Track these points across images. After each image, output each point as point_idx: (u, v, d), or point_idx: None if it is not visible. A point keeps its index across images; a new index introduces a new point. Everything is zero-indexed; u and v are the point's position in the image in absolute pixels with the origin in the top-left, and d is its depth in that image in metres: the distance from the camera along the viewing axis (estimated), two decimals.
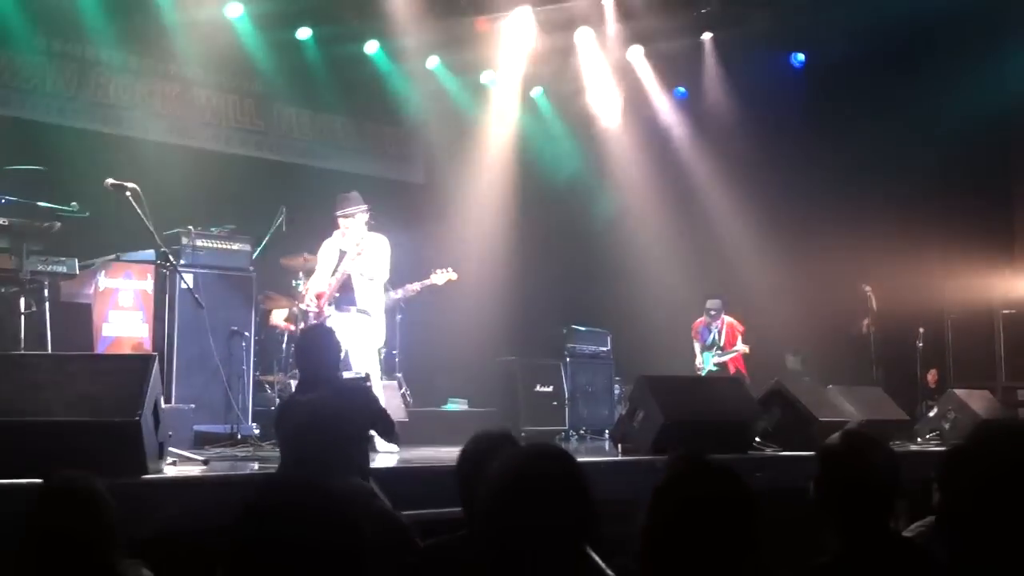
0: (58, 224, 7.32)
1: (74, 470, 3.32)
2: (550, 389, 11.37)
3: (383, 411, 5.57)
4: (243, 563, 1.90)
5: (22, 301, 7.12)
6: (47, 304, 7.27)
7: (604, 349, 12.39)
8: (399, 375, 10.39)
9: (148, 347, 8.45)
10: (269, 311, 9.95)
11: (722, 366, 12.31)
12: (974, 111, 11.75)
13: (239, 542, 1.90)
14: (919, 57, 12.30)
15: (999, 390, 12.06)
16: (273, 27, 11.48)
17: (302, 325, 8.61)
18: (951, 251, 12.55)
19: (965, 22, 11.80)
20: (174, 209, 8.57)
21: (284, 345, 9.66)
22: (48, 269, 7.26)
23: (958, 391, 10.36)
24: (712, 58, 13.47)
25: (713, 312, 12.37)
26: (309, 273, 9.08)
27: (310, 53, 11.99)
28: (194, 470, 5.72)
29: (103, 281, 8.49)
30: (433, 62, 12.86)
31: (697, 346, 12.57)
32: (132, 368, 5.18)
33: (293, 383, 8.20)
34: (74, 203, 7.52)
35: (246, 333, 8.90)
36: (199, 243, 8.88)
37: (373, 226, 8.74)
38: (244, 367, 8.82)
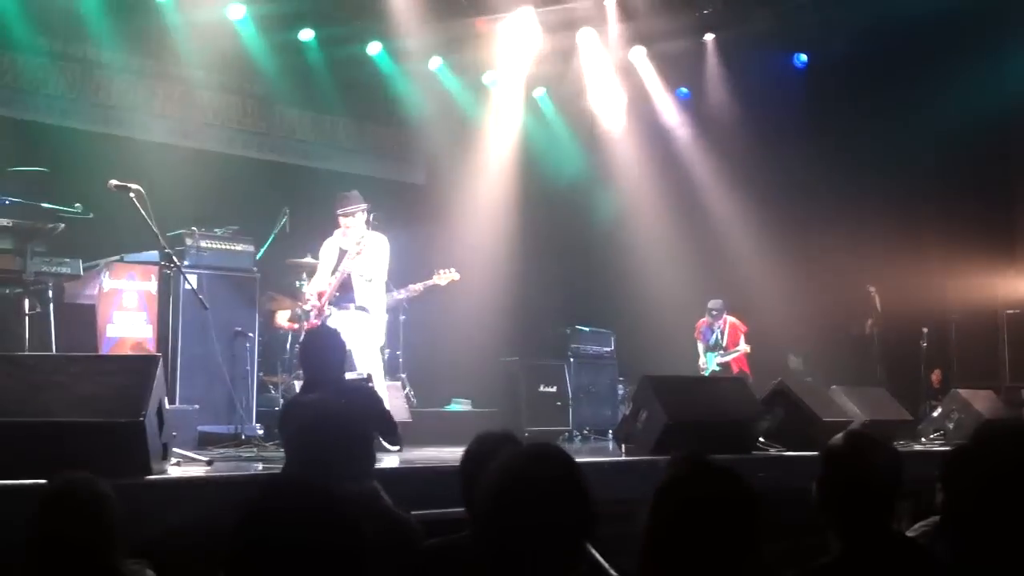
0: (62, 225, 7.34)
1: (78, 471, 3.33)
2: (554, 389, 11.37)
3: (386, 413, 5.59)
4: (243, 564, 1.90)
5: (26, 302, 7.14)
6: (51, 305, 7.29)
7: (607, 349, 12.39)
8: (403, 376, 10.39)
9: (152, 348, 8.46)
10: (273, 312, 9.96)
11: (725, 366, 12.31)
12: (976, 111, 11.75)
13: (239, 543, 1.91)
14: (921, 57, 12.29)
15: (1003, 390, 12.04)
16: (275, 28, 11.49)
17: (305, 325, 8.62)
18: (954, 251, 12.54)
19: (966, 22, 11.79)
20: (177, 210, 8.59)
21: (288, 346, 9.67)
22: (52, 270, 7.28)
23: (962, 391, 10.36)
24: (714, 59, 13.47)
25: (715, 312, 12.37)
26: (313, 273, 9.10)
27: (312, 54, 12.00)
28: (198, 471, 5.72)
29: (107, 282, 8.50)
30: (435, 63, 12.86)
31: (700, 346, 12.58)
32: (136, 369, 5.18)
33: (297, 384, 8.22)
34: (78, 204, 7.54)
35: (250, 334, 8.90)
36: (203, 244, 8.90)
37: (376, 226, 8.76)
38: (248, 368, 8.83)
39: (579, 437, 11.29)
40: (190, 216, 9.08)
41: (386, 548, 3.01)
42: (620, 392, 12.14)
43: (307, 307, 8.61)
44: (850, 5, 12.17)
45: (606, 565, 2.82)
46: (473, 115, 13.36)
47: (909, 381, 12.27)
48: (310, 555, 1.88)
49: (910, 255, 12.43)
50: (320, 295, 8.44)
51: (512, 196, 13.10)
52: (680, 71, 13.75)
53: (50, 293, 7.31)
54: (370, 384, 7.68)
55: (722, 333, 12.41)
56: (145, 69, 11.16)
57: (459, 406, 11.30)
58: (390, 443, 6.62)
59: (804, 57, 13.70)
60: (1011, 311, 13.15)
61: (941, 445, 9.41)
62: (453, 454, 5.71)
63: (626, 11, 12.47)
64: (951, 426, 9.82)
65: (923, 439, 9.95)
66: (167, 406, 5.43)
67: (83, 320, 8.22)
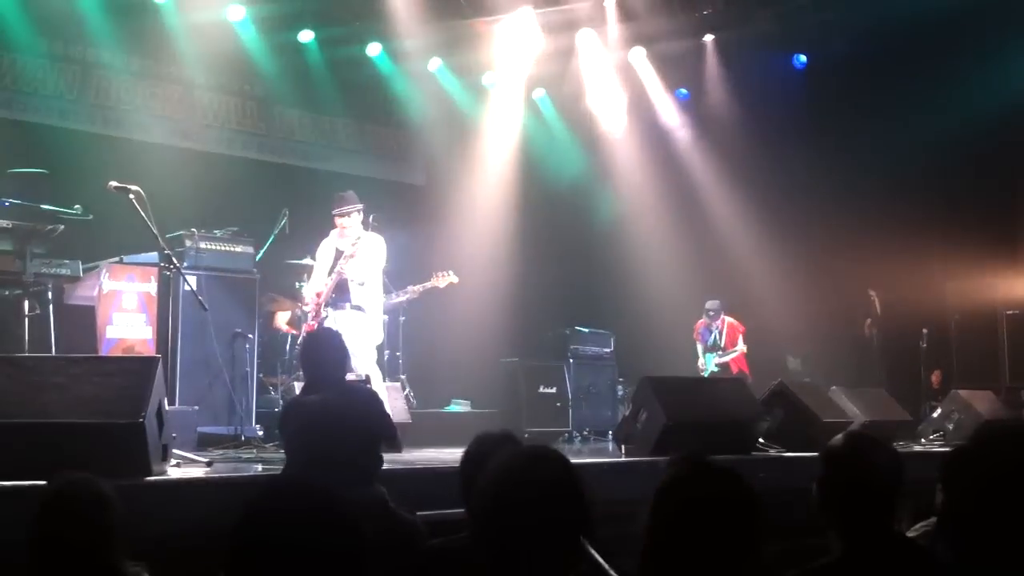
0: (61, 227, 7.35)
1: (78, 472, 3.33)
2: (553, 390, 11.38)
3: (386, 416, 5.57)
4: (243, 564, 1.90)
5: (26, 303, 7.15)
6: (51, 306, 7.30)
7: (607, 350, 12.40)
8: (402, 377, 10.40)
9: (152, 349, 8.46)
10: (273, 313, 9.96)
11: (724, 366, 12.31)
12: (976, 111, 11.75)
13: (238, 543, 1.91)
14: (921, 58, 12.29)
15: (1003, 391, 12.04)
16: (275, 30, 11.49)
17: (304, 327, 8.63)
18: (954, 251, 12.54)
19: (966, 23, 11.79)
20: (176, 211, 8.59)
21: (288, 347, 9.67)
22: (52, 271, 7.29)
23: (962, 392, 10.37)
24: (714, 59, 13.47)
25: (712, 313, 12.37)
26: None
27: (312, 55, 12.00)
28: (198, 472, 5.72)
29: (106, 283, 8.49)
30: (435, 64, 12.86)
31: (699, 347, 12.58)
32: (136, 370, 5.19)
33: (297, 385, 8.22)
34: (77, 206, 7.55)
35: (249, 335, 8.91)
36: (202, 245, 8.91)
37: (375, 227, 8.76)
38: (248, 369, 8.84)
39: (579, 438, 11.30)
40: (190, 217, 9.08)
41: (394, 552, 3.01)
42: (620, 393, 12.15)
43: (306, 308, 8.62)
44: (850, 6, 12.17)
45: (606, 566, 2.81)
46: (473, 116, 13.36)
47: (909, 382, 12.26)
48: (309, 555, 1.88)
49: (910, 256, 12.42)
50: (318, 296, 8.44)
51: (512, 197, 13.10)
52: (680, 72, 13.74)
53: (50, 294, 7.32)
54: (369, 386, 7.68)
55: (720, 333, 12.41)
56: (145, 70, 11.17)
57: (459, 407, 11.31)
58: (389, 447, 6.61)
59: (804, 58, 13.70)
60: (1011, 312, 13.14)
61: (941, 446, 9.42)
62: (453, 455, 5.71)
63: (626, 12, 12.47)
64: (951, 427, 9.82)
65: (923, 440, 9.96)
66: (167, 407, 5.44)
67: (82, 321, 8.21)
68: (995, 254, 12.92)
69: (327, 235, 8.69)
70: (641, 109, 13.87)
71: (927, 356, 12.49)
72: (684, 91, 14.16)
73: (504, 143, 13.39)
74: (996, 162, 13.06)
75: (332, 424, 4.90)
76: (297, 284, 9.70)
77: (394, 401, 8.67)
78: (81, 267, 7.56)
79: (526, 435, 9.69)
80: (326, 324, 8.24)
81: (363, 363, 8.21)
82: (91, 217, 7.62)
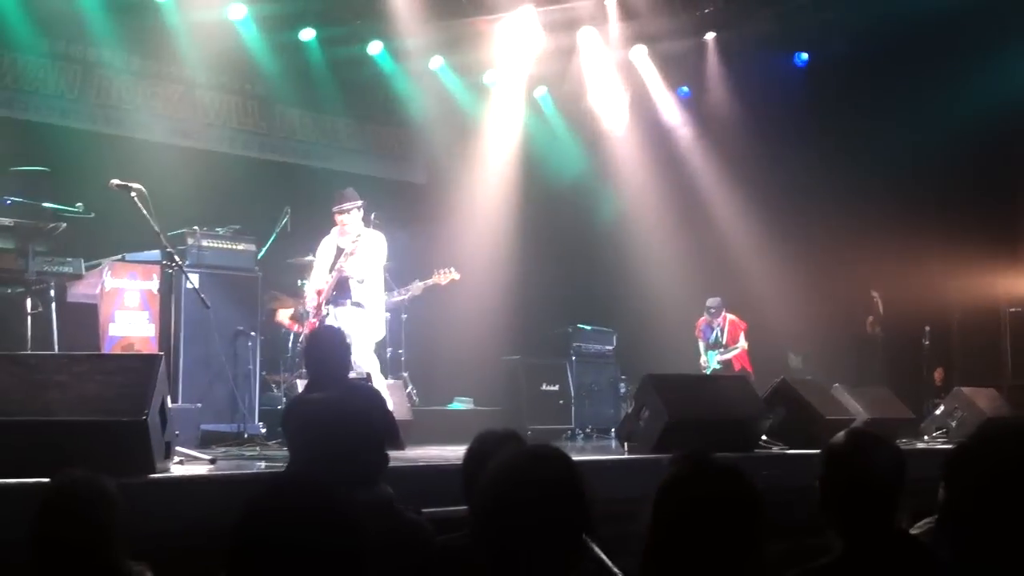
0: (63, 225, 7.35)
1: (82, 469, 3.33)
2: (556, 388, 11.39)
3: (389, 415, 5.58)
4: (243, 563, 1.91)
5: (28, 302, 7.15)
6: (53, 304, 7.30)
7: (609, 348, 12.40)
8: (405, 374, 10.40)
9: (154, 347, 8.47)
10: (275, 311, 9.96)
11: (727, 364, 12.30)
12: (977, 110, 11.75)
13: (238, 542, 1.91)
14: (922, 57, 12.29)
15: (1005, 388, 12.04)
16: (276, 29, 11.49)
17: (306, 324, 8.63)
18: (956, 249, 12.54)
19: (967, 22, 11.79)
20: (178, 210, 8.60)
21: (290, 344, 9.68)
22: (54, 270, 7.29)
23: (964, 389, 10.37)
24: (715, 58, 13.47)
25: (713, 310, 12.36)
26: None
27: (313, 54, 12.00)
28: (201, 469, 5.72)
29: (109, 281, 8.50)
30: (436, 63, 12.86)
31: (701, 345, 12.58)
32: (138, 368, 5.19)
33: (299, 382, 8.22)
34: (79, 204, 7.55)
35: (252, 333, 8.92)
36: (204, 243, 8.92)
37: (376, 225, 8.76)
38: (250, 367, 8.85)
39: (581, 436, 11.31)
40: (191, 216, 9.09)
41: (399, 553, 3.01)
42: (622, 390, 12.16)
43: (308, 306, 8.63)
44: (850, 5, 12.17)
45: (610, 564, 2.81)
46: (474, 115, 13.37)
47: (911, 379, 12.28)
48: (309, 554, 1.88)
49: (912, 254, 12.43)
50: (319, 294, 8.45)
51: (513, 195, 13.10)
52: (681, 70, 13.75)
53: (52, 292, 7.32)
54: (371, 384, 7.69)
55: (722, 331, 12.41)
56: (146, 69, 11.17)
57: (461, 405, 11.31)
58: (391, 446, 6.61)
59: (805, 56, 13.69)
60: (1013, 309, 13.15)
61: (944, 443, 9.42)
62: (455, 452, 5.72)
63: (627, 10, 12.47)
64: (954, 424, 9.82)
65: (926, 437, 9.96)
66: (170, 405, 5.44)
67: (85, 319, 8.22)
68: (997, 252, 12.93)
69: (328, 233, 8.70)
70: (642, 107, 13.87)
71: (929, 353, 12.51)
72: (685, 89, 14.16)
73: (505, 142, 13.39)
74: (998, 160, 13.07)
75: (336, 422, 4.89)
76: (299, 282, 9.71)
77: (396, 398, 8.66)
78: (83, 265, 7.57)
79: (528, 433, 9.69)
80: (327, 321, 8.25)
81: (363, 360, 8.22)
82: (93, 215, 7.63)
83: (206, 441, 7.66)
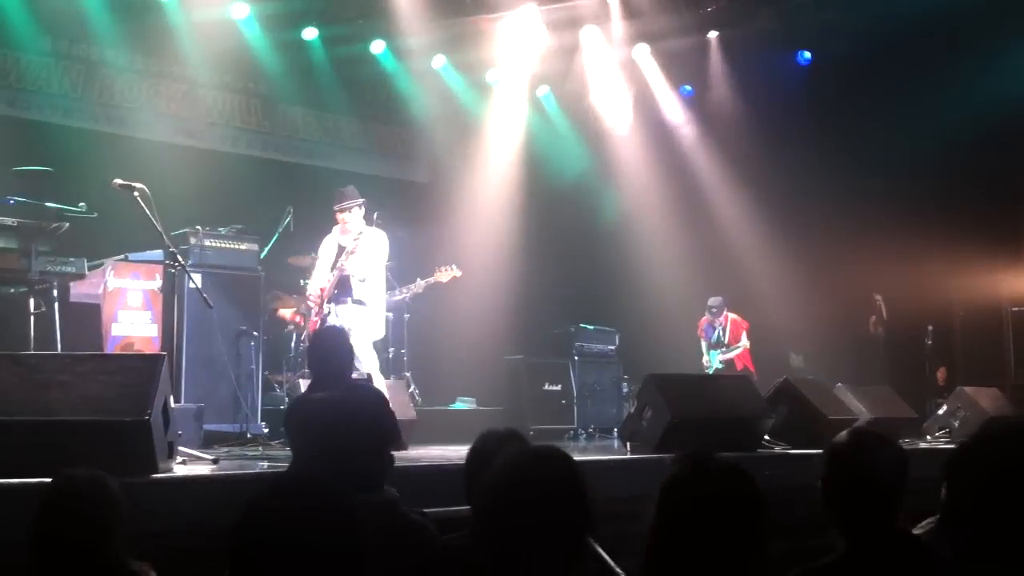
0: (66, 224, 7.35)
1: (84, 469, 3.33)
2: (558, 388, 11.39)
3: (391, 415, 5.58)
4: (243, 562, 1.91)
5: (31, 301, 7.15)
6: (56, 304, 7.30)
7: (611, 348, 12.39)
8: (407, 374, 10.40)
9: (156, 347, 8.47)
10: (277, 310, 9.97)
11: (729, 363, 12.29)
12: (979, 109, 11.74)
13: (239, 541, 1.91)
14: (924, 56, 12.28)
15: (1008, 387, 12.04)
16: (279, 27, 11.50)
17: (308, 323, 8.63)
18: (958, 249, 12.53)
19: (968, 21, 11.78)
20: (181, 209, 8.59)
21: (293, 344, 9.68)
22: (57, 269, 7.29)
23: (967, 389, 10.35)
24: (718, 56, 13.46)
25: (715, 310, 12.35)
26: None
27: (316, 53, 12.01)
28: (203, 469, 5.72)
29: (111, 281, 8.51)
30: (439, 62, 12.85)
31: (703, 344, 12.57)
32: (141, 368, 5.19)
33: (302, 382, 8.22)
34: (82, 203, 7.55)
35: (254, 332, 8.92)
36: (207, 243, 8.92)
37: (379, 225, 8.75)
38: (253, 366, 8.85)
39: (583, 435, 11.30)
40: (194, 215, 9.08)
41: (402, 554, 3.01)
42: (624, 390, 12.14)
43: (311, 304, 8.62)
44: (852, 5, 12.16)
45: (612, 563, 2.81)
46: (476, 113, 13.37)
47: (914, 379, 12.26)
48: (310, 553, 1.88)
49: (914, 253, 12.42)
50: (321, 291, 8.44)
51: (516, 194, 13.10)
52: (684, 69, 13.74)
53: (55, 292, 7.32)
54: (373, 384, 7.68)
55: (724, 330, 12.39)
56: (149, 68, 11.18)
57: (464, 404, 11.31)
58: (393, 447, 6.61)
59: (808, 55, 13.68)
60: (1016, 308, 13.14)
61: (946, 443, 9.41)
62: (458, 452, 5.72)
63: (630, 9, 12.46)
64: (956, 424, 9.81)
65: (928, 437, 9.95)
66: (172, 405, 5.44)
67: (88, 319, 8.23)
68: (1000, 251, 12.93)
69: (330, 231, 8.70)
70: (645, 106, 13.87)
71: (932, 353, 12.49)
72: (688, 88, 14.15)
73: (508, 140, 13.39)
74: (1000, 159, 13.06)
75: (339, 422, 4.89)
76: (302, 281, 9.71)
77: (399, 398, 8.67)
78: (86, 265, 7.56)
79: (531, 432, 9.70)
80: (329, 320, 8.25)
81: (363, 359, 8.22)
82: (96, 215, 7.63)
83: (208, 441, 7.65)
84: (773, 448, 7.94)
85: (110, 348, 8.31)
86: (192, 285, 7.58)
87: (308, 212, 9.75)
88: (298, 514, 1.92)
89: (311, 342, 6.26)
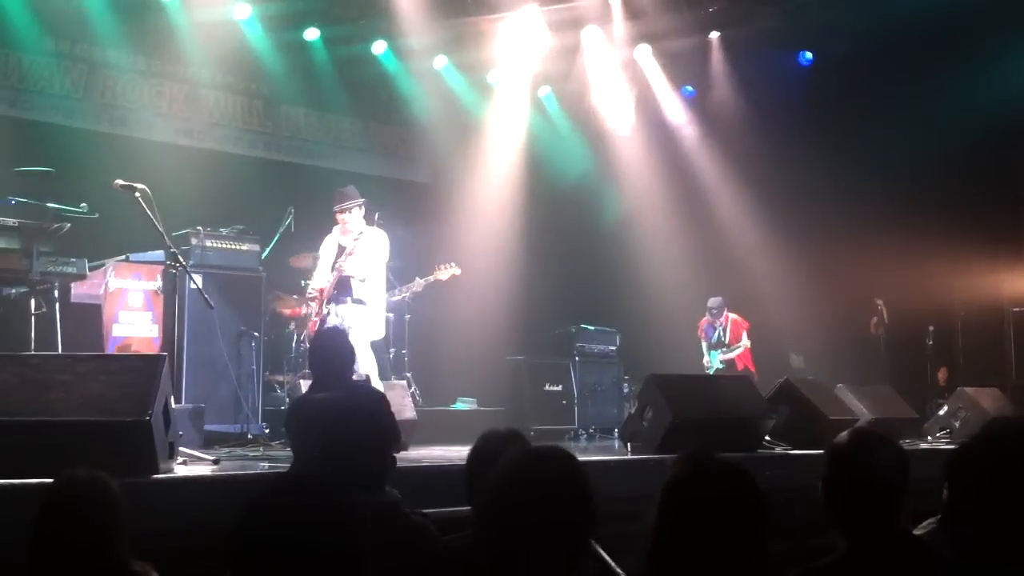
0: (67, 225, 7.35)
1: (85, 469, 3.33)
2: (559, 388, 11.38)
3: (391, 416, 5.58)
4: (244, 562, 1.91)
5: (32, 302, 7.15)
6: (57, 305, 7.31)
7: (612, 348, 12.39)
8: (408, 374, 10.40)
9: (157, 347, 8.48)
10: (278, 311, 9.96)
11: (730, 363, 12.29)
12: (981, 109, 11.73)
13: (239, 542, 1.91)
14: (926, 56, 12.28)
15: (1009, 388, 12.03)
16: (281, 28, 11.50)
17: (309, 323, 8.62)
18: (959, 249, 12.52)
19: (970, 21, 11.77)
20: (182, 210, 8.60)
21: (294, 345, 9.68)
22: (58, 270, 7.29)
23: (968, 389, 10.35)
24: (720, 56, 13.45)
25: (715, 311, 12.34)
26: None
27: (317, 54, 12.01)
28: (204, 470, 5.73)
29: (112, 282, 8.52)
30: (440, 62, 12.86)
31: (704, 345, 12.56)
32: (142, 368, 5.19)
33: (303, 383, 8.22)
34: (83, 204, 7.56)
35: (255, 333, 8.92)
36: (208, 243, 8.93)
37: (380, 225, 8.75)
38: (253, 367, 8.86)
39: (584, 436, 11.30)
40: (195, 216, 9.09)
41: (405, 557, 3.01)
42: (625, 391, 12.14)
43: (311, 305, 8.63)
44: (854, 4, 12.16)
45: (613, 564, 2.81)
46: (478, 114, 13.37)
47: (915, 379, 12.25)
48: (310, 553, 1.88)
49: (915, 254, 12.41)
50: (321, 292, 8.44)
51: (517, 195, 13.10)
52: (685, 69, 13.74)
53: (56, 293, 7.32)
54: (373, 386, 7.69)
55: (724, 330, 12.39)
56: (151, 69, 11.19)
57: (464, 405, 11.31)
58: (393, 448, 6.61)
59: (809, 55, 13.68)
60: (1017, 309, 13.13)
61: (947, 443, 9.40)
62: (459, 453, 5.72)
63: (631, 9, 12.46)
64: (957, 424, 9.81)
65: (929, 437, 9.94)
66: (173, 405, 5.44)
67: (89, 320, 8.24)
68: (1001, 251, 12.92)
69: (331, 232, 8.70)
70: (647, 106, 13.86)
71: (933, 353, 12.48)
72: (690, 88, 14.15)
73: (510, 141, 13.39)
74: (1001, 159, 13.05)
75: (338, 420, 4.90)
76: (303, 282, 9.71)
77: (400, 399, 8.67)
78: (87, 265, 7.57)
79: (532, 433, 9.70)
80: (328, 320, 8.24)
81: (361, 361, 8.21)
82: (97, 215, 7.63)
83: (209, 441, 7.66)
84: (774, 449, 7.93)
85: (111, 348, 8.33)
86: (193, 286, 7.59)
87: (309, 212, 9.75)
88: (298, 514, 1.92)
89: (312, 343, 6.27)
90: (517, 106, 13.43)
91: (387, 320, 9.30)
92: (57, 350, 7.10)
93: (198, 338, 8.52)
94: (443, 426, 9.49)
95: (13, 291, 7.26)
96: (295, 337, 9.69)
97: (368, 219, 8.65)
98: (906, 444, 7.22)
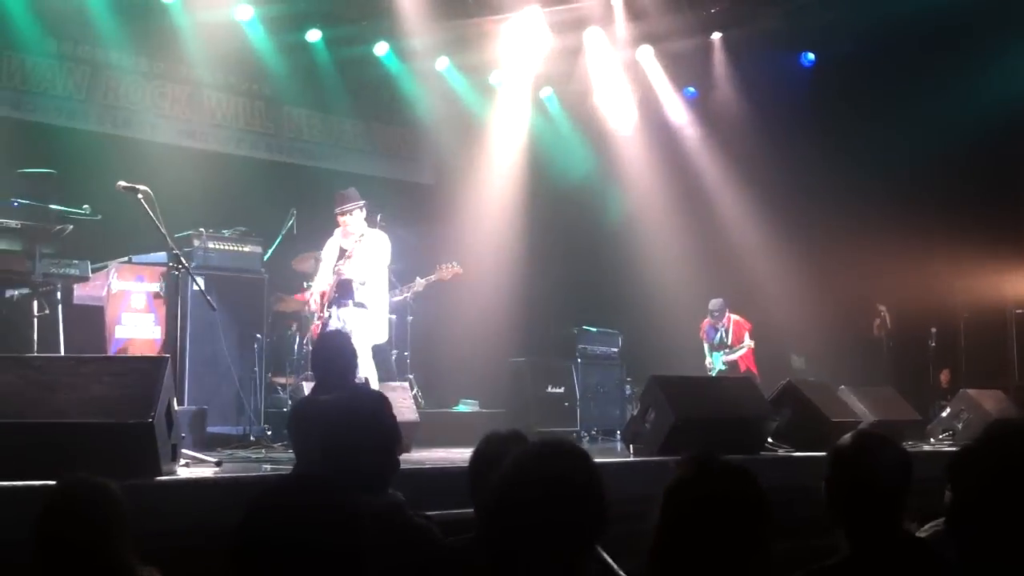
0: (70, 227, 7.35)
1: (87, 472, 3.33)
2: (561, 390, 11.38)
3: (392, 416, 5.57)
4: (244, 562, 1.91)
5: (35, 304, 7.15)
6: (60, 306, 7.31)
7: (615, 350, 12.39)
8: (410, 376, 10.39)
9: (160, 349, 8.48)
10: (280, 312, 9.96)
11: (732, 365, 12.28)
12: (983, 110, 11.71)
13: (240, 542, 1.91)
14: (927, 57, 12.26)
15: (1012, 389, 12.00)
16: (283, 29, 11.51)
17: (311, 327, 8.62)
18: (962, 250, 12.50)
19: (972, 22, 11.76)
20: (185, 211, 8.60)
21: (296, 347, 9.68)
22: (60, 272, 7.29)
23: (971, 391, 10.33)
24: (722, 57, 13.45)
25: (716, 313, 12.34)
26: None
27: (320, 55, 12.02)
28: (207, 472, 5.73)
29: (115, 283, 8.52)
30: (442, 63, 12.86)
31: (706, 346, 12.56)
32: (145, 370, 5.19)
33: (305, 385, 8.23)
34: (86, 206, 7.56)
35: (257, 335, 8.92)
36: (210, 245, 8.93)
37: (383, 227, 8.75)
38: (256, 369, 8.85)
39: (587, 437, 11.29)
40: (198, 217, 9.09)
41: (407, 559, 3.00)
42: (627, 392, 12.14)
43: (313, 307, 8.62)
44: (856, 5, 12.15)
45: (615, 566, 2.80)
46: (480, 115, 13.37)
47: (918, 381, 12.24)
48: (311, 554, 1.88)
49: (918, 255, 12.39)
50: (322, 295, 8.44)
51: (520, 196, 13.10)
52: (687, 70, 13.73)
53: (58, 295, 7.32)
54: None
55: (726, 331, 12.39)
56: (153, 70, 11.20)
57: (467, 407, 11.31)
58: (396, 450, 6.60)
59: (811, 56, 13.67)
60: (1020, 310, 13.11)
61: (950, 445, 9.38)
62: (461, 455, 5.71)
63: (633, 10, 12.46)
64: (960, 426, 9.79)
65: (932, 439, 9.93)
66: (176, 407, 5.44)
67: (92, 322, 8.24)
68: (1003, 252, 12.88)
69: (332, 234, 8.69)
70: (649, 107, 13.86)
71: (935, 355, 12.46)
72: (692, 89, 14.15)
73: (512, 142, 13.39)
74: (1003, 160, 13.02)
75: (339, 420, 4.90)
76: (305, 284, 9.72)
77: (402, 401, 8.66)
78: (90, 267, 7.57)
79: (535, 434, 9.68)
80: (330, 323, 8.23)
81: (361, 364, 8.20)
82: (100, 217, 7.63)
83: (212, 443, 7.67)
84: (776, 450, 7.92)
85: (113, 350, 8.33)
86: (196, 287, 7.59)
87: (311, 214, 9.75)
88: (299, 514, 1.93)
89: (315, 345, 6.27)
90: (519, 107, 13.43)
91: (390, 322, 9.29)
92: (59, 352, 7.10)
93: (200, 340, 8.53)
94: (445, 428, 9.49)
95: (16, 293, 7.26)
96: (297, 339, 9.69)
97: (370, 221, 8.65)
98: (909, 446, 7.21)
